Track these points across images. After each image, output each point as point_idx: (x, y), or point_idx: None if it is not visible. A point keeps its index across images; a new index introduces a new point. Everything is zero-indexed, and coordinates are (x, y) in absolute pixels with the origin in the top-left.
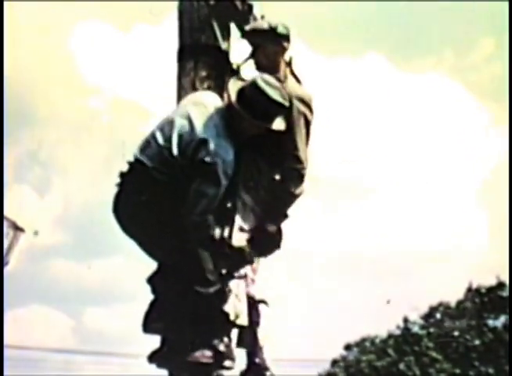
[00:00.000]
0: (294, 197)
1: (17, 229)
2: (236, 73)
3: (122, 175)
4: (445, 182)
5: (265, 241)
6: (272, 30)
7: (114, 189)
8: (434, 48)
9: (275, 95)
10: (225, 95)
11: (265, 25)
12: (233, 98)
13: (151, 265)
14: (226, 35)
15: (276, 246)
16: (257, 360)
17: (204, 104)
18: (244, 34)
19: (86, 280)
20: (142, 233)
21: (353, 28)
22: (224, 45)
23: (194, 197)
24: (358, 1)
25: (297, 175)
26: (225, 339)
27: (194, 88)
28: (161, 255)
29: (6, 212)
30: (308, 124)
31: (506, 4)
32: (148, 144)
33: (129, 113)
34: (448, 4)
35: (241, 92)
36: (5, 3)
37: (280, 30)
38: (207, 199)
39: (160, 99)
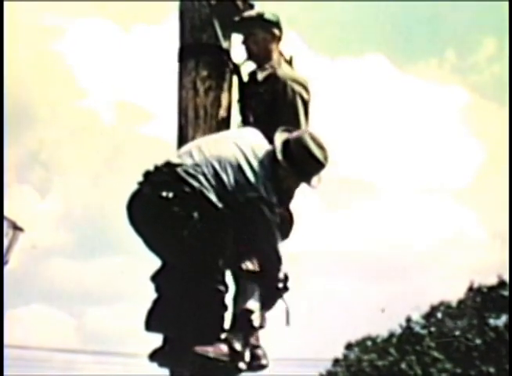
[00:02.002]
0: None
1: (17, 228)
2: (237, 72)
3: (147, 174)
4: (447, 182)
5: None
6: (260, 16)
7: (114, 190)
8: (436, 48)
9: (319, 154)
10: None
11: (252, 13)
12: (279, 154)
13: (152, 265)
14: (227, 35)
15: (290, 229)
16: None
17: (253, 146)
18: (234, 25)
19: (87, 280)
20: (155, 234)
21: (354, 29)
22: (225, 45)
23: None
24: (359, 2)
25: None
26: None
27: (195, 88)
28: (169, 256)
29: (6, 212)
30: (305, 103)
31: (507, 4)
32: (192, 153)
33: (130, 113)
34: (450, 4)
35: (286, 145)
36: (5, 3)
37: (268, 16)
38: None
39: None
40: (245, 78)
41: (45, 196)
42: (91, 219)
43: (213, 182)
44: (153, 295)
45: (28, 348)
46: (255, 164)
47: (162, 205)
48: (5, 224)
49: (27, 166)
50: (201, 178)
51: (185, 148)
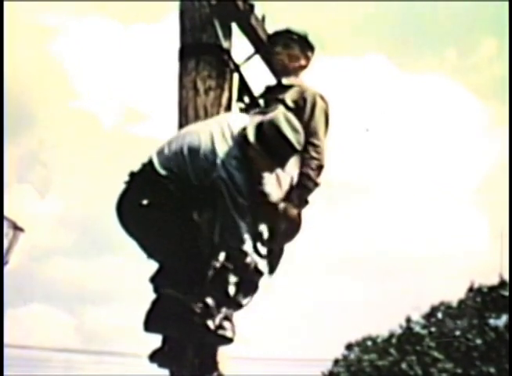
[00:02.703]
0: (316, 184)
1: (17, 228)
2: (238, 72)
3: (132, 174)
4: (447, 182)
5: (286, 227)
6: (304, 37)
7: (114, 190)
8: (437, 48)
9: (291, 136)
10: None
11: (299, 31)
12: (250, 134)
13: (152, 265)
14: (228, 34)
15: (297, 231)
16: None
17: (231, 128)
18: (276, 34)
19: (87, 280)
20: (143, 234)
21: (355, 28)
22: (225, 44)
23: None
24: (360, 2)
25: (317, 164)
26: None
27: (195, 88)
28: (160, 256)
29: (6, 212)
30: (327, 119)
31: (507, 4)
32: (164, 150)
33: (130, 113)
34: (450, 4)
35: (259, 127)
36: (5, 4)
37: (310, 40)
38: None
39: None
40: (245, 78)
41: (45, 196)
42: (90, 219)
43: (180, 174)
44: (153, 295)
45: (28, 348)
46: (221, 146)
47: (142, 212)
48: (5, 224)
49: (27, 166)
50: (171, 174)
51: (162, 144)
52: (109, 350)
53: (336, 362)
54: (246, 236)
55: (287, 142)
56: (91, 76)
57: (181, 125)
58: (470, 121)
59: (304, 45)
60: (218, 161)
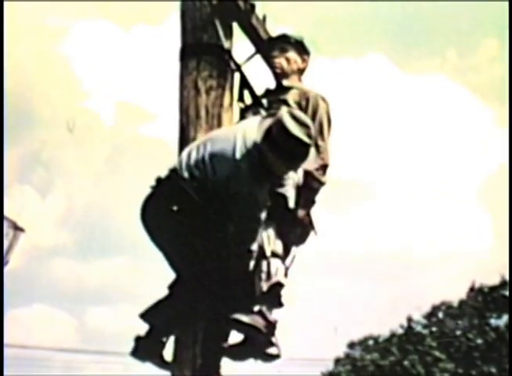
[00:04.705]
0: (321, 184)
1: (17, 229)
2: (239, 71)
3: (159, 180)
4: (448, 182)
5: (296, 229)
6: (300, 42)
7: (114, 190)
8: (438, 49)
9: (299, 132)
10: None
11: (296, 36)
12: (259, 139)
13: (152, 265)
14: (229, 34)
15: (308, 231)
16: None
17: (248, 133)
18: (272, 39)
19: (88, 280)
20: (167, 242)
21: (356, 29)
22: (226, 44)
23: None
24: (361, 2)
25: (321, 163)
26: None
27: (196, 88)
28: (183, 266)
29: (7, 213)
30: (329, 120)
31: (507, 4)
32: (189, 156)
33: (131, 113)
34: (451, 5)
35: (269, 130)
36: (6, 4)
37: (306, 44)
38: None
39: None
40: (247, 78)
41: (46, 196)
42: (91, 219)
43: (203, 182)
44: (154, 295)
45: (28, 348)
46: (240, 155)
47: (171, 218)
48: (6, 224)
49: (28, 166)
50: (194, 181)
51: (188, 147)
52: (110, 350)
53: (337, 361)
54: (265, 241)
55: (297, 140)
56: (92, 76)
57: (182, 125)
58: (470, 121)
59: (300, 49)
60: (236, 173)
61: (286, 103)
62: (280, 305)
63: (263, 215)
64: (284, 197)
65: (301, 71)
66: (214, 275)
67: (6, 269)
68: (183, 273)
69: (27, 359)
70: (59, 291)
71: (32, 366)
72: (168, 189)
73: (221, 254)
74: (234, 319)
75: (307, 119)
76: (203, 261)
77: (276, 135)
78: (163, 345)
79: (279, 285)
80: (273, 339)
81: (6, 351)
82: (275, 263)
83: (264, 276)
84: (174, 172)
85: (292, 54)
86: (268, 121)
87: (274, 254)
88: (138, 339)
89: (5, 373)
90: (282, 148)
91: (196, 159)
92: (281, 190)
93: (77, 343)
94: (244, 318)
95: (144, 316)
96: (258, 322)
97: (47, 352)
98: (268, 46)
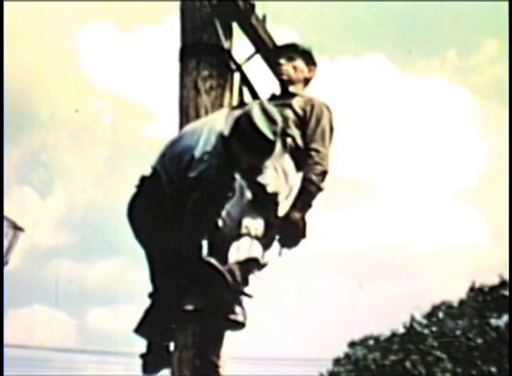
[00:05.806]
0: (319, 189)
1: (17, 228)
2: (239, 71)
3: (143, 178)
4: (448, 182)
5: (290, 231)
6: (308, 52)
7: (115, 190)
8: (438, 49)
9: (264, 128)
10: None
11: (304, 46)
12: (226, 129)
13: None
14: (229, 34)
15: (301, 235)
16: None
17: (215, 125)
18: (285, 46)
19: (88, 280)
20: (151, 240)
21: (355, 29)
22: (226, 44)
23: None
24: (361, 2)
25: (321, 169)
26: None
27: (196, 88)
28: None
29: (7, 213)
30: (332, 129)
31: (507, 4)
32: (164, 153)
33: (131, 113)
34: (451, 5)
35: (237, 121)
36: (8, 4)
37: (314, 55)
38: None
39: (162, 99)
40: (248, 78)
41: (46, 197)
42: (91, 220)
43: (174, 176)
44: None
45: (28, 348)
46: (203, 145)
47: (152, 217)
48: (5, 224)
49: (28, 167)
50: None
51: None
52: (110, 350)
53: (337, 361)
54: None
55: (261, 135)
56: (92, 76)
57: (182, 125)
58: (470, 122)
59: (308, 58)
60: (196, 159)
61: (291, 107)
62: (246, 283)
63: (225, 204)
64: (262, 186)
65: (306, 81)
66: (192, 273)
67: (6, 269)
68: (161, 272)
69: (27, 359)
70: (59, 291)
71: (32, 366)
72: (149, 189)
73: (200, 252)
74: (207, 262)
75: (277, 114)
76: (179, 259)
77: (243, 126)
78: (167, 350)
79: (254, 261)
80: (238, 308)
81: (6, 351)
82: (250, 242)
83: (236, 252)
84: (154, 170)
85: (299, 63)
86: (238, 112)
87: (250, 235)
88: (142, 356)
89: (5, 373)
90: (247, 140)
91: (169, 156)
92: (260, 178)
93: (77, 343)
94: (218, 264)
95: (138, 330)
96: (228, 275)
97: (47, 353)
98: (276, 54)
